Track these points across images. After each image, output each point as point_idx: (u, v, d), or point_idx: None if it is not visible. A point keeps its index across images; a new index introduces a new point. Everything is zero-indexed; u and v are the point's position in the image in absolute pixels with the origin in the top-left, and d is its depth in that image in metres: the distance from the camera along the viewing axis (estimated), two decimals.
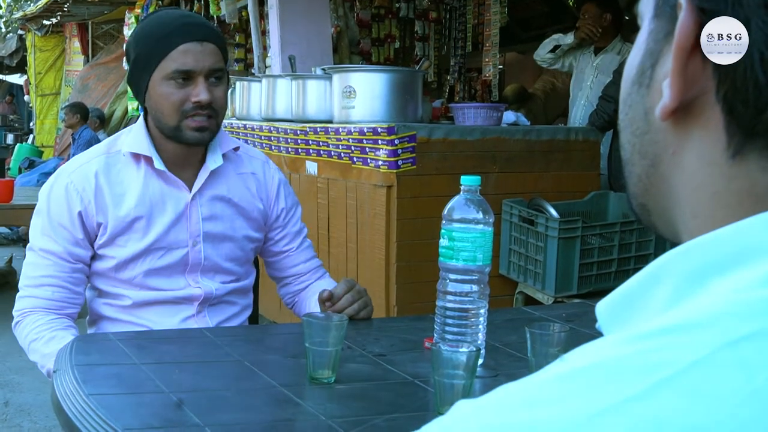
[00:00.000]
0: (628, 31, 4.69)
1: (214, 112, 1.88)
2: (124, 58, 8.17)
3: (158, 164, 1.91)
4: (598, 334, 0.48)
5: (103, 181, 1.89)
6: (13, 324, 1.90)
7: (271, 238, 2.09)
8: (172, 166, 1.94)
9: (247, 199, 2.01)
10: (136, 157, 1.92)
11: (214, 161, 1.96)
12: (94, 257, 1.93)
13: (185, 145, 1.91)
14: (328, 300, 1.83)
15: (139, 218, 1.90)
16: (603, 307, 0.50)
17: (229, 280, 2.00)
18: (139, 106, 8.46)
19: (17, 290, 1.92)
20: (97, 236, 1.90)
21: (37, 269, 1.89)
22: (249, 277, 2.07)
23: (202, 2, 7.47)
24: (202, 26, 1.90)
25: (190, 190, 1.94)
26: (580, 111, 4.71)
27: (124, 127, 9.36)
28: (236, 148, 2.02)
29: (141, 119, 1.97)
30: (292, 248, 2.10)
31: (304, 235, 2.13)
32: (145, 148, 1.91)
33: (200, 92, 1.84)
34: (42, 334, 1.84)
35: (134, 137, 1.93)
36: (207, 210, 1.95)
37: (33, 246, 1.91)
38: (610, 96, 4.01)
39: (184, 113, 1.85)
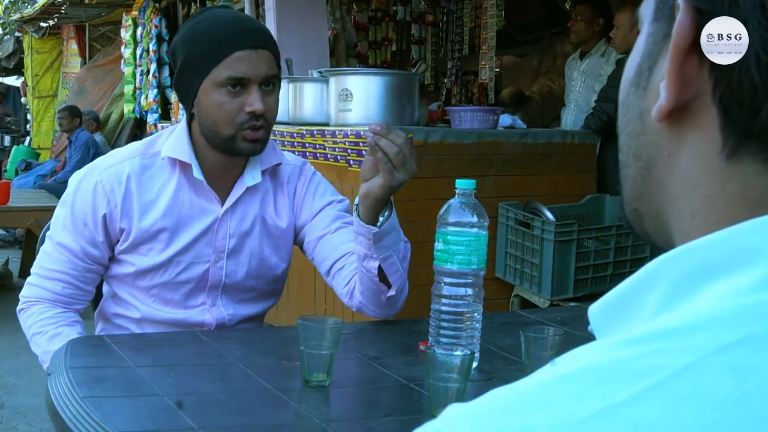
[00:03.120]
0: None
1: (266, 122, 1.80)
2: (122, 61, 8.03)
3: (197, 173, 1.84)
4: (592, 338, 0.48)
5: (134, 185, 1.83)
6: (17, 309, 1.89)
7: (304, 235, 1.96)
8: (209, 177, 1.86)
9: (279, 219, 1.93)
10: (173, 162, 1.85)
11: (252, 177, 1.88)
12: (114, 260, 1.89)
13: (230, 155, 1.84)
14: (378, 134, 1.63)
15: (164, 230, 1.84)
16: (596, 310, 0.50)
17: (249, 297, 1.93)
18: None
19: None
20: (119, 241, 1.86)
21: (51, 262, 1.86)
22: (269, 300, 1.99)
23: (198, 5, 7.47)
24: (256, 32, 1.81)
25: (222, 203, 1.88)
26: (570, 116, 4.74)
27: (120, 130, 9.30)
28: (278, 164, 1.93)
29: (183, 123, 1.88)
30: (329, 231, 1.91)
31: (344, 220, 1.92)
32: (186, 154, 1.83)
33: (254, 101, 1.76)
34: (46, 329, 1.82)
35: (174, 141, 1.85)
36: (236, 226, 1.89)
37: (52, 236, 1.88)
38: (608, 97, 4.01)
39: (240, 125, 1.78)
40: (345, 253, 1.87)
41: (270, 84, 1.80)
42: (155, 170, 1.86)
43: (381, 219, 1.71)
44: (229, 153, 1.83)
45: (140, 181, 1.85)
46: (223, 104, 1.77)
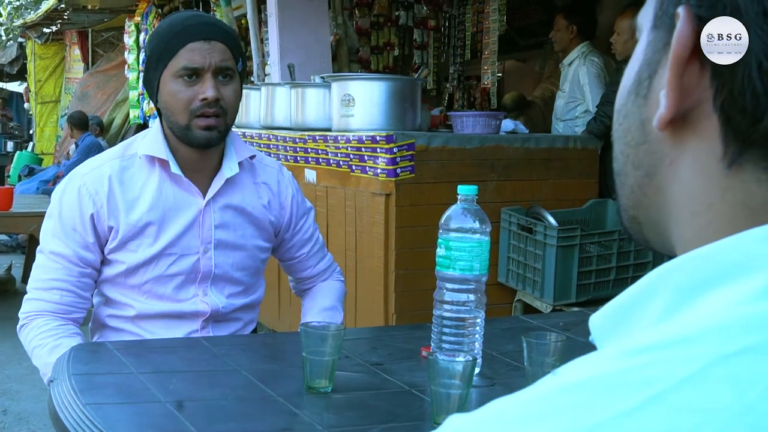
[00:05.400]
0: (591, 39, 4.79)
1: (222, 111, 1.86)
2: (126, 67, 8.08)
3: (174, 168, 1.89)
4: (594, 346, 0.48)
5: (117, 184, 1.89)
6: (18, 326, 1.90)
7: (283, 245, 2.09)
8: (187, 171, 1.92)
9: (260, 209, 2.00)
10: (152, 160, 1.91)
11: (229, 169, 1.95)
12: (105, 262, 1.92)
13: (196, 149, 1.90)
14: None
15: (151, 224, 1.89)
16: (596, 320, 0.50)
17: (237, 291, 1.98)
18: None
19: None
20: (108, 240, 1.89)
21: (46, 272, 1.88)
22: (257, 292, 2.06)
23: (201, 8, 7.49)
24: (210, 25, 1.89)
25: (204, 196, 1.93)
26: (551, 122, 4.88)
27: (123, 135, 9.35)
28: (252, 157, 2.01)
29: (157, 122, 1.95)
30: (304, 254, 2.11)
31: (315, 239, 2.14)
32: (162, 151, 1.89)
33: (207, 89, 1.83)
34: (46, 341, 1.83)
35: (150, 140, 1.92)
36: (219, 217, 1.94)
37: (43, 249, 1.90)
38: (610, 101, 4.02)
39: (193, 112, 1.84)
40: (306, 277, 2.16)
41: (226, 75, 1.87)
42: (135, 170, 1.91)
43: None
44: (188, 144, 1.89)
45: (122, 180, 1.90)
46: (178, 93, 1.85)
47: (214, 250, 1.93)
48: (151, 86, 1.91)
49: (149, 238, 1.89)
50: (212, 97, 1.83)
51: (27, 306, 1.89)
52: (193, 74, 1.84)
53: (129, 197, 1.89)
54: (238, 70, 1.91)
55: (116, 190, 1.88)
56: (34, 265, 1.92)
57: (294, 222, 2.07)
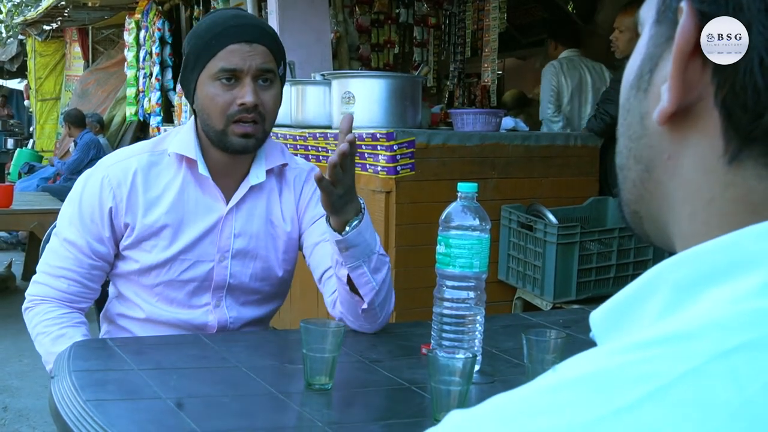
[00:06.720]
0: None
1: (261, 116, 1.80)
2: (125, 64, 8.04)
3: (202, 169, 1.84)
4: (594, 342, 0.48)
5: (140, 181, 1.84)
6: (23, 307, 1.89)
7: (303, 240, 1.95)
8: (215, 175, 1.87)
9: (285, 217, 1.93)
10: (180, 159, 1.86)
11: (256, 176, 1.88)
12: (119, 257, 1.89)
13: (230, 154, 1.84)
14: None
15: (168, 226, 1.84)
16: (597, 317, 0.51)
17: (254, 299, 1.92)
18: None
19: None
20: (123, 236, 1.86)
21: (57, 259, 1.87)
22: (273, 303, 1.98)
23: (201, 7, 7.48)
24: (252, 27, 1.82)
25: (227, 202, 1.88)
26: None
27: (123, 132, 9.30)
28: (283, 165, 1.93)
29: (191, 121, 1.90)
30: (325, 239, 1.85)
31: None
32: (192, 150, 1.84)
33: (246, 93, 1.76)
34: (50, 329, 1.82)
35: (182, 138, 1.87)
36: (240, 225, 1.88)
37: (58, 233, 1.88)
38: (610, 99, 4.03)
39: (230, 117, 1.78)
40: (333, 264, 1.83)
41: (266, 80, 1.81)
42: (162, 167, 1.87)
43: (347, 228, 1.70)
44: (223, 149, 1.83)
45: (147, 177, 1.86)
46: (216, 96, 1.79)
47: (232, 260, 1.88)
48: (188, 87, 1.85)
49: (164, 240, 1.85)
50: (251, 102, 1.77)
51: (33, 288, 1.89)
52: (232, 77, 1.78)
53: (150, 196, 1.85)
54: (280, 75, 1.85)
55: (139, 186, 1.84)
56: (47, 246, 1.92)
57: (311, 221, 1.93)
